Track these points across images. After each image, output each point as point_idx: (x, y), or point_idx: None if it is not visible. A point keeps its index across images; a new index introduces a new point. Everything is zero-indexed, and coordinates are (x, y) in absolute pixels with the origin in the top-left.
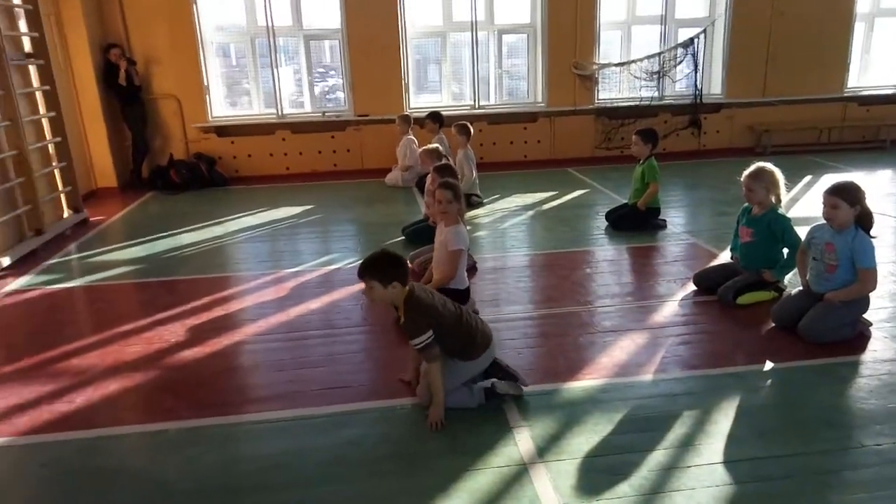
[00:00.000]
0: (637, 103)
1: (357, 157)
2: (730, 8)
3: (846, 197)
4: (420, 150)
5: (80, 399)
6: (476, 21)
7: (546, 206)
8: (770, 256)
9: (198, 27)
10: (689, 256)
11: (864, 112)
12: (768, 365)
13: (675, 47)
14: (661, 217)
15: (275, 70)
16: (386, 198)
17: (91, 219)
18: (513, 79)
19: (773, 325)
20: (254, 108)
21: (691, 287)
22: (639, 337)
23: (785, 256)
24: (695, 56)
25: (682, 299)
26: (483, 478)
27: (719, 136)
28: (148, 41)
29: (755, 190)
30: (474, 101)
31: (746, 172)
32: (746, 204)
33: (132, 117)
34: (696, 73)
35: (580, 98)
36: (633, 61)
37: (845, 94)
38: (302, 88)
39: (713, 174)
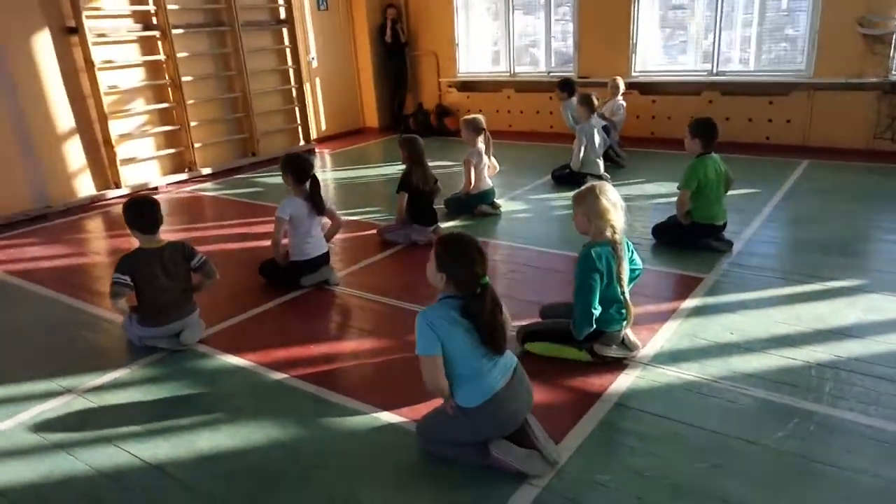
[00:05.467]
0: None
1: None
2: None
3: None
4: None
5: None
6: None
7: (649, 202)
8: None
9: None
10: (668, 290)
11: None
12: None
13: None
14: (719, 237)
15: (511, 29)
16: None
17: (317, 149)
18: (773, 41)
19: None
20: (501, 66)
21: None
22: (383, 344)
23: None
24: None
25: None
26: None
27: None
28: (422, 2)
29: (575, 214)
30: (713, 66)
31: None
32: None
33: (394, 69)
34: None
35: (865, 67)
36: None
37: None
38: (540, 48)
39: None
